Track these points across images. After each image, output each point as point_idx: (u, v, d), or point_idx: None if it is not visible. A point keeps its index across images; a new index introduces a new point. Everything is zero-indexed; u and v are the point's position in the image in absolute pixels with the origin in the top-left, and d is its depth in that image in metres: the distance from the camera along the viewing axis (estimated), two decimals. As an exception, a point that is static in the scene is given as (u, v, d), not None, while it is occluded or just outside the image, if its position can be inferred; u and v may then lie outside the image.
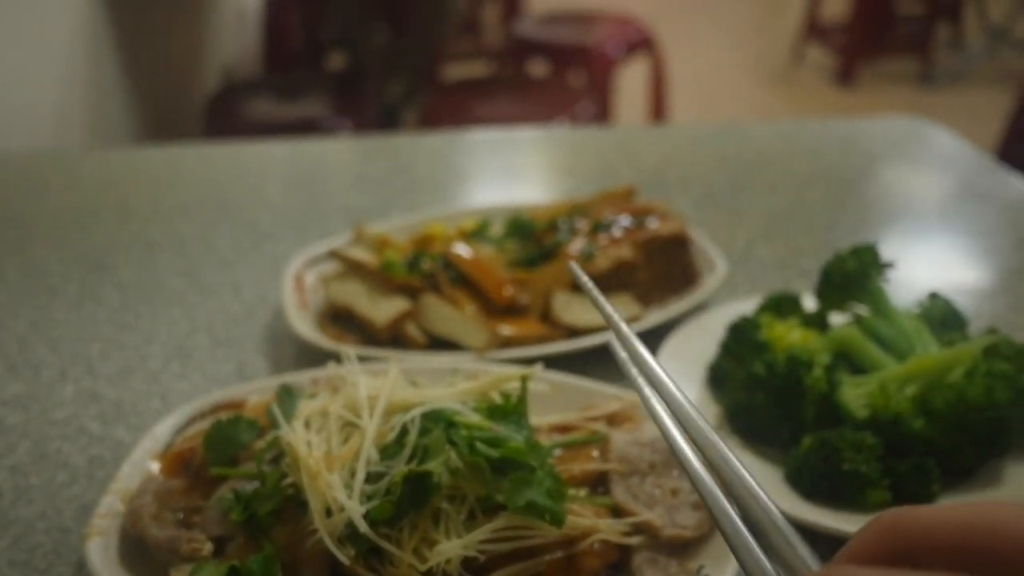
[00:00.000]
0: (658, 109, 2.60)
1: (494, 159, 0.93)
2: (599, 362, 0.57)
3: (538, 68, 2.53)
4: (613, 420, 0.48)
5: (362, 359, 0.45)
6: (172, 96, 2.31)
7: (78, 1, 1.75)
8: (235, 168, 0.92)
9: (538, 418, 0.45)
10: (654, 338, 0.58)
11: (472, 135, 0.99)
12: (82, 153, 0.99)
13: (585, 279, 0.35)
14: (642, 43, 2.47)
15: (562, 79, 2.40)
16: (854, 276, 0.55)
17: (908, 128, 0.97)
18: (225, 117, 2.02)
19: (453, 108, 2.06)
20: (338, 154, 0.97)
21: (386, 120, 2.36)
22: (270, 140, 0.98)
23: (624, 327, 0.32)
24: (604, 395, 0.49)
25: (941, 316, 0.55)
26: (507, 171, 0.90)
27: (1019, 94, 2.54)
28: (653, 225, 0.66)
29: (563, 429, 0.46)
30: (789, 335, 0.53)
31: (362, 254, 0.63)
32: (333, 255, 0.64)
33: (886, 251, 0.55)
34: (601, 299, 0.34)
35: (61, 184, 0.87)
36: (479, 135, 1.00)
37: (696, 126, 1.01)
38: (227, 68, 2.77)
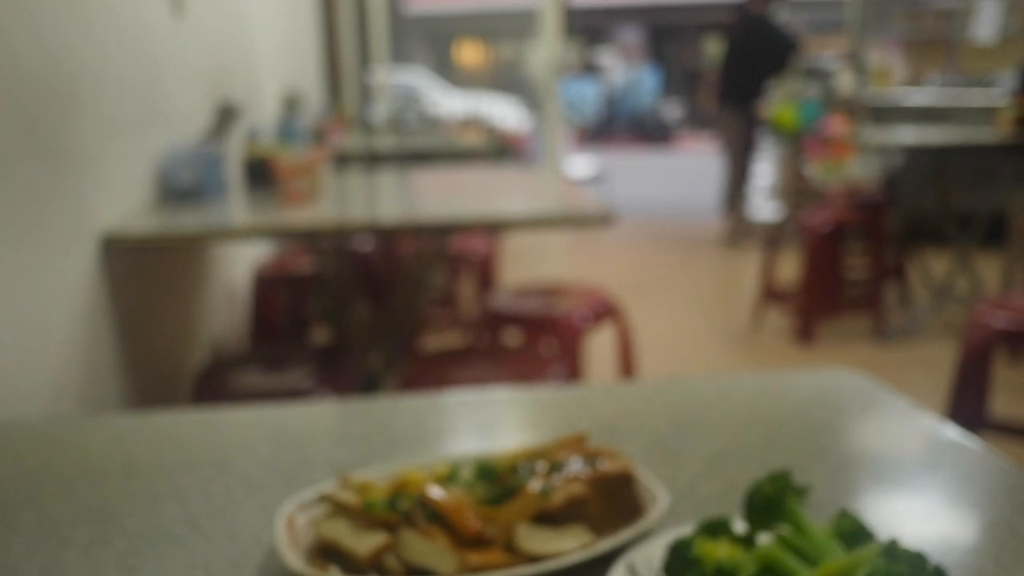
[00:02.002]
0: (626, 372, 2.75)
1: (466, 418, 1.03)
2: (557, 585, 0.66)
3: (511, 337, 2.68)
4: None
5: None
6: (163, 370, 2.42)
7: (81, 282, 1.90)
8: (230, 430, 1.01)
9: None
10: (605, 563, 0.66)
11: (446, 398, 1.10)
12: (89, 419, 1.08)
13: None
14: (608, 312, 2.65)
15: (534, 347, 2.55)
16: (772, 500, 0.64)
17: (841, 379, 1.09)
18: (213, 389, 2.13)
19: (431, 376, 2.18)
20: (323, 417, 1.07)
21: (367, 389, 2.47)
22: (260, 407, 1.08)
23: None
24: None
25: (851, 530, 0.64)
26: (478, 427, 1.00)
27: (963, 346, 2.71)
28: (602, 465, 0.75)
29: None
30: (718, 551, 0.62)
31: (347, 497, 0.72)
32: (323, 499, 0.73)
33: (807, 480, 0.64)
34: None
35: (70, 446, 0.96)
36: (453, 397, 1.10)
37: (648, 383, 1.12)
38: (216, 343, 2.91)
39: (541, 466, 0.75)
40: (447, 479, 0.76)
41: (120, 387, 2.08)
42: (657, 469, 0.85)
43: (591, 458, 0.76)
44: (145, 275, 2.33)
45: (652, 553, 0.66)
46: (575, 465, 0.75)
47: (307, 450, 0.93)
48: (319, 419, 1.05)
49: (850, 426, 0.99)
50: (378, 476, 0.78)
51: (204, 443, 0.97)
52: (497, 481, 0.74)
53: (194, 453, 0.93)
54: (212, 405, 2.05)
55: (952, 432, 0.94)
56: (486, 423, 1.02)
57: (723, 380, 1.11)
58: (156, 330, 2.40)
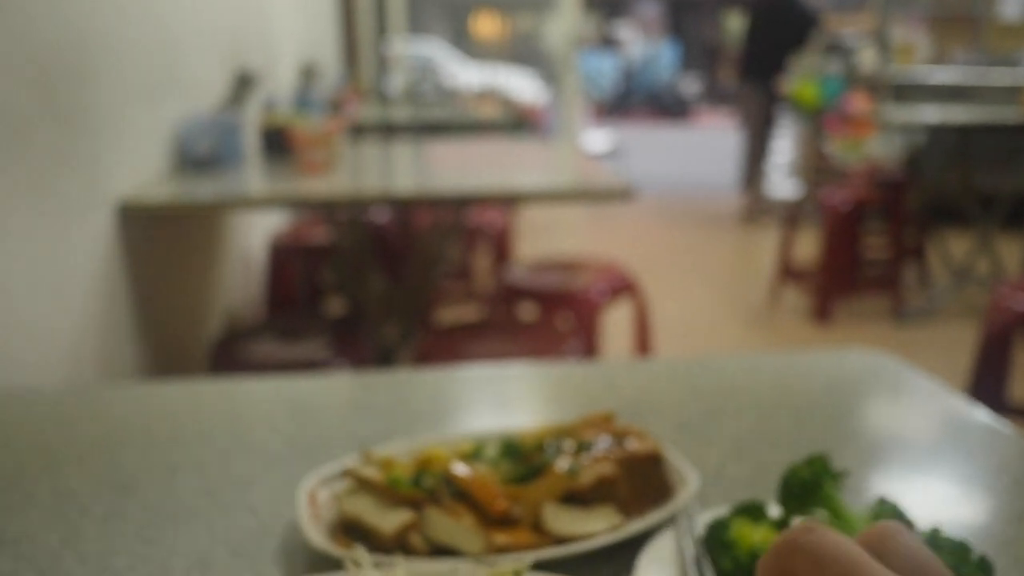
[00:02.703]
0: (642, 349, 2.73)
1: (486, 392, 1.01)
2: (585, 566, 0.64)
3: (527, 312, 2.67)
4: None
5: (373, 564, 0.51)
6: (179, 339, 2.42)
7: (97, 250, 1.89)
8: (248, 401, 1.00)
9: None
10: (635, 545, 0.64)
11: (465, 372, 1.08)
12: (107, 388, 1.07)
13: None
14: (625, 288, 2.63)
15: (550, 322, 2.53)
16: (809, 484, 0.62)
17: (866, 360, 1.07)
18: (229, 359, 2.12)
19: (446, 350, 2.17)
20: (342, 389, 1.05)
21: (383, 361, 2.46)
22: (278, 378, 1.07)
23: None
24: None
25: (891, 517, 0.62)
26: (498, 403, 0.99)
27: (984, 329, 2.68)
28: (631, 445, 0.73)
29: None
30: (753, 535, 0.60)
31: (371, 472, 0.70)
32: (346, 474, 0.71)
33: (837, 463, 0.62)
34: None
35: (88, 416, 0.95)
36: (472, 371, 1.08)
37: (671, 361, 1.10)
38: (232, 313, 2.91)
39: (568, 445, 0.73)
40: (472, 456, 0.74)
41: (136, 355, 2.07)
42: (684, 450, 0.83)
43: (619, 437, 0.74)
44: (161, 243, 2.32)
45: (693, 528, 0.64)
46: (603, 444, 0.73)
47: (326, 423, 0.92)
48: (337, 391, 1.03)
49: (879, 408, 0.97)
50: (401, 452, 0.76)
51: (222, 413, 0.95)
52: (523, 459, 0.73)
53: (213, 423, 0.92)
54: (228, 375, 2.05)
55: (982, 415, 0.91)
56: (506, 398, 1.00)
57: (747, 360, 1.09)
58: (172, 298, 2.40)
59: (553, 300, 2.58)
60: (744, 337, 4.17)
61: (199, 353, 2.49)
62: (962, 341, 3.65)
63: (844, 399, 0.97)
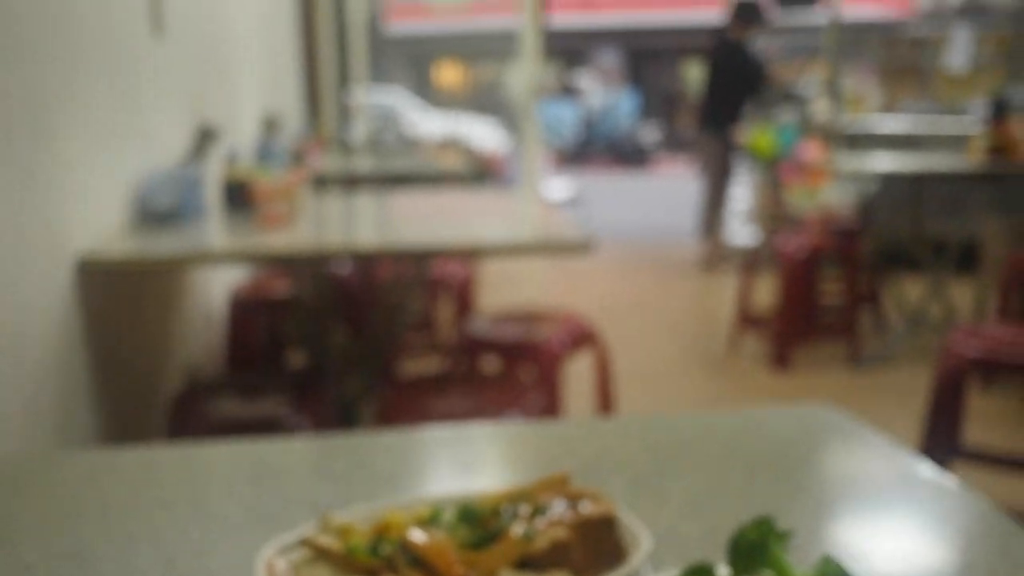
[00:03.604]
0: (604, 398, 2.75)
1: (446, 454, 1.03)
2: (540, 634, 0.65)
3: (489, 364, 2.68)
4: None
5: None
6: (138, 396, 2.40)
7: (54, 307, 1.88)
8: (207, 466, 1.00)
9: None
10: (589, 610, 0.66)
11: (425, 433, 1.09)
12: (63, 455, 1.06)
13: None
14: (586, 339, 2.66)
15: (512, 374, 2.55)
16: (756, 545, 0.64)
17: (819, 416, 1.09)
18: (188, 417, 2.11)
19: (409, 405, 2.17)
20: (302, 452, 1.06)
21: (344, 417, 2.45)
22: (237, 440, 1.07)
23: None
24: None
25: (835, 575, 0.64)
26: (458, 465, 1.00)
27: (936, 374, 2.73)
28: (585, 508, 0.75)
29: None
30: (701, 600, 0.61)
31: (328, 541, 0.71)
32: (303, 543, 0.72)
33: (788, 521, 0.64)
34: None
35: (43, 484, 0.94)
36: (432, 433, 1.09)
37: (628, 419, 1.12)
38: (192, 368, 2.89)
39: (524, 509, 0.75)
40: (429, 521, 0.75)
41: (94, 414, 2.05)
42: (639, 509, 0.84)
43: (574, 500, 0.76)
44: (120, 298, 2.31)
45: (636, 600, 0.66)
46: (558, 508, 0.75)
47: (287, 488, 0.92)
48: (298, 455, 1.04)
49: (830, 465, 1.00)
50: (360, 517, 0.77)
51: (182, 480, 0.96)
52: (480, 524, 0.74)
53: (171, 490, 0.92)
54: (188, 433, 2.03)
55: (931, 471, 0.94)
56: (467, 460, 1.01)
57: (704, 416, 1.11)
58: (131, 354, 2.38)
59: (515, 352, 2.60)
60: (704, 385, 4.21)
61: (158, 410, 2.47)
62: (918, 386, 3.71)
63: (797, 456, 0.99)
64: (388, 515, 0.77)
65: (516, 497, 0.77)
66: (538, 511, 0.74)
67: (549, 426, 1.15)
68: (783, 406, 3.81)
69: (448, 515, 0.76)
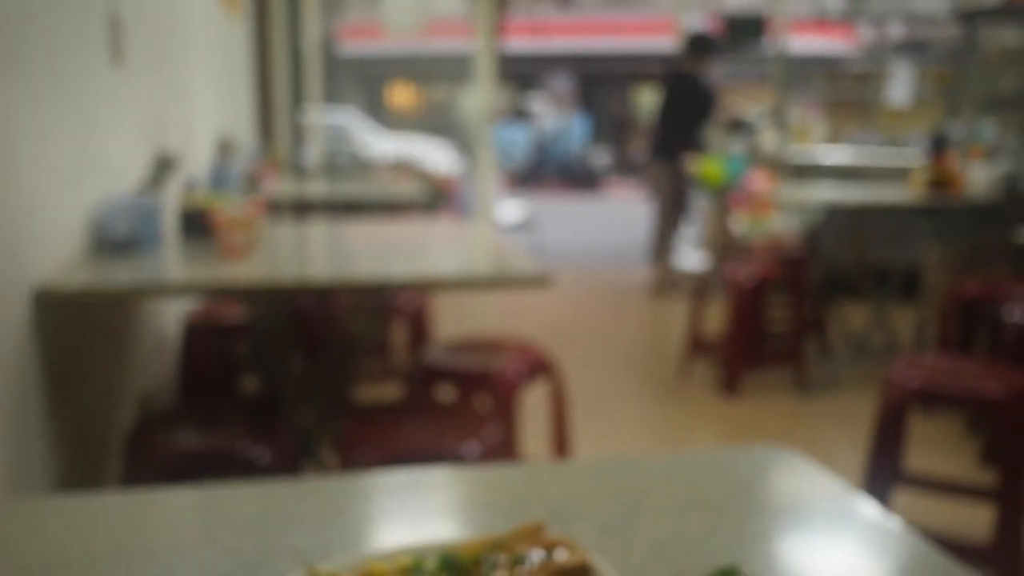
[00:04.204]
0: (560, 430, 2.79)
1: (416, 499, 1.05)
2: None
3: (445, 392, 2.70)
4: None
5: None
6: (93, 430, 2.38)
7: (10, 343, 1.87)
8: (190, 513, 1.02)
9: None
10: (567, 659, 0.69)
11: (395, 476, 1.11)
12: (42, 502, 1.07)
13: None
14: (542, 368, 2.70)
15: (468, 403, 2.58)
16: (725, 597, 0.68)
17: (770, 456, 1.14)
18: (144, 450, 2.10)
19: (367, 435, 2.18)
20: (277, 497, 1.08)
21: (303, 447, 2.46)
22: (210, 484, 1.09)
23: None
24: None
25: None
26: (429, 510, 1.03)
27: (880, 404, 2.82)
28: (561, 557, 0.78)
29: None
30: (675, 651, 0.65)
31: (314, 592, 0.74)
32: (289, 594, 0.74)
33: (749, 567, 0.69)
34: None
35: (26, 532, 0.95)
36: (401, 476, 1.12)
37: (590, 463, 1.16)
38: (145, 397, 2.87)
39: (503, 559, 0.78)
40: (412, 571, 0.78)
41: (49, 452, 2.03)
42: (608, 555, 0.88)
43: (550, 549, 0.79)
44: (75, 328, 2.29)
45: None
46: (535, 557, 0.78)
47: (266, 535, 0.94)
48: (274, 499, 1.05)
49: (788, 509, 1.04)
50: (343, 567, 0.80)
51: (167, 527, 0.97)
52: (461, 574, 0.77)
53: (157, 539, 0.94)
54: (145, 468, 2.03)
55: (872, 509, 0.99)
56: (437, 505, 1.04)
57: (662, 460, 1.15)
58: (85, 386, 2.36)
59: (471, 381, 2.62)
60: (656, 411, 4.28)
61: (114, 444, 2.45)
62: (862, 410, 3.81)
63: (754, 499, 1.04)
64: (371, 564, 0.79)
65: (494, 546, 0.81)
66: (517, 560, 0.78)
67: (514, 469, 1.18)
68: (734, 434, 3.90)
69: (430, 564, 0.79)
